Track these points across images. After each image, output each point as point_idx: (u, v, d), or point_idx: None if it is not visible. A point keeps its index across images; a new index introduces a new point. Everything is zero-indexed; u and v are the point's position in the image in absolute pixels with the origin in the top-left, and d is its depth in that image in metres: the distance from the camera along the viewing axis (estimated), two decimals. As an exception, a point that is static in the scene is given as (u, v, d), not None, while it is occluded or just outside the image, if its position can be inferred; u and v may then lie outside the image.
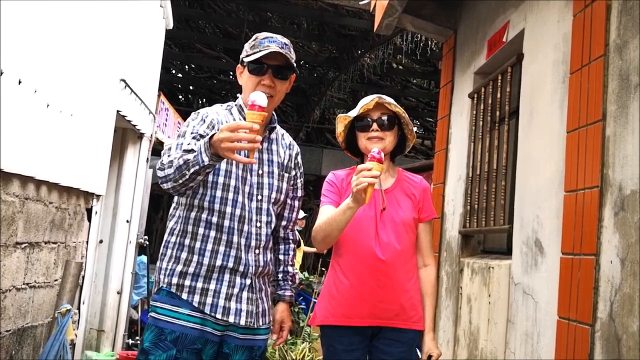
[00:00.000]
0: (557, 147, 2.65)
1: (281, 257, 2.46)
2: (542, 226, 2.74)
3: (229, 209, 2.20)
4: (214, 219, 2.19)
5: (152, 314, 2.21)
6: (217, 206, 2.19)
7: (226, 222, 2.19)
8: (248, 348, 2.26)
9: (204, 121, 2.21)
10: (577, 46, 2.53)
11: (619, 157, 2.17)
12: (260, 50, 2.23)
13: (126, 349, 5.67)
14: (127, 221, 5.65)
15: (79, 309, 4.47)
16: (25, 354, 3.53)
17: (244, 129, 1.84)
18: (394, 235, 2.45)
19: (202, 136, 2.10)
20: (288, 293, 2.46)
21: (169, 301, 2.18)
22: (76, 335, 4.02)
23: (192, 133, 2.14)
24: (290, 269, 2.48)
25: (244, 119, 2.20)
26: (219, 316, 2.17)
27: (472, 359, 3.44)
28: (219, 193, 2.19)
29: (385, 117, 2.47)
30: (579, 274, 2.34)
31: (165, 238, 2.29)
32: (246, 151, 1.94)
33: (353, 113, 2.50)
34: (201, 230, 2.20)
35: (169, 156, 2.07)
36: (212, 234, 2.19)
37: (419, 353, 2.48)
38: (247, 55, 2.27)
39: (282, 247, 2.47)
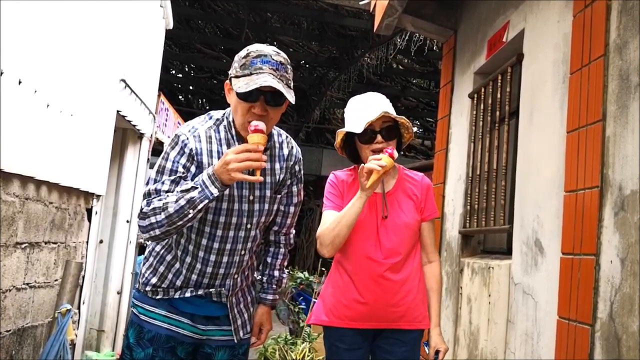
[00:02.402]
0: (557, 147, 2.65)
1: (269, 259, 2.41)
2: (542, 226, 2.74)
3: (210, 243, 2.15)
4: (190, 247, 2.17)
5: (134, 311, 2.26)
6: (197, 238, 2.15)
7: (201, 254, 2.16)
8: (230, 347, 2.27)
9: (184, 152, 2.10)
10: (577, 46, 2.53)
11: (619, 157, 2.17)
12: (250, 74, 2.01)
13: (126, 349, 5.66)
14: (127, 221, 5.65)
15: (79, 309, 4.47)
16: (25, 354, 3.53)
17: (250, 151, 1.94)
18: (396, 240, 2.43)
19: (181, 177, 2.07)
20: (270, 297, 2.40)
21: (146, 301, 2.23)
22: (76, 335, 4.02)
23: (170, 171, 2.08)
24: (276, 273, 2.40)
25: (233, 137, 2.16)
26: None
27: (472, 359, 3.44)
28: (207, 229, 2.15)
29: (387, 127, 2.40)
30: (579, 274, 2.33)
31: (151, 244, 2.28)
32: (251, 170, 1.98)
33: (357, 129, 2.38)
34: (179, 253, 2.19)
35: (148, 204, 2.03)
36: (188, 259, 2.18)
37: (426, 349, 2.48)
38: (236, 77, 2.05)
39: (271, 249, 2.41)
